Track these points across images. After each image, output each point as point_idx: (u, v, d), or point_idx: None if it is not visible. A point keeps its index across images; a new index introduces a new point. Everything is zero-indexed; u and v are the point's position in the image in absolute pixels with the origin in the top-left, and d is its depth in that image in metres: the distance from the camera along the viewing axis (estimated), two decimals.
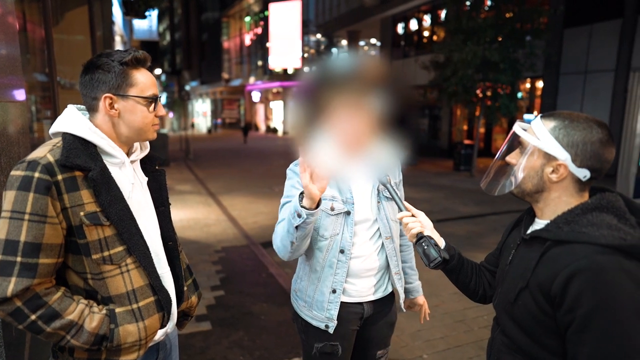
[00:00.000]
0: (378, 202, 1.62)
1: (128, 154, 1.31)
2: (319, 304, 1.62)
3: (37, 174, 1.09)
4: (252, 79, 38.21)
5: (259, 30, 36.48)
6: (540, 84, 13.30)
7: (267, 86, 35.65)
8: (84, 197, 1.14)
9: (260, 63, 37.40)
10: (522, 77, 10.95)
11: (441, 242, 1.31)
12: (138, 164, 1.35)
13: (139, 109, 1.24)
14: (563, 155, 1.02)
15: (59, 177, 1.11)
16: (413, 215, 1.34)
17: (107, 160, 1.22)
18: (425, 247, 1.26)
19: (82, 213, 1.13)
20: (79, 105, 1.28)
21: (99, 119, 1.23)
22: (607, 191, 1.07)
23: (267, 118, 38.03)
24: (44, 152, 1.13)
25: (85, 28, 4.62)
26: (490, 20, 10.33)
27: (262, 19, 35.46)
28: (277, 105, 36.36)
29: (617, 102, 11.00)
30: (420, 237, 1.28)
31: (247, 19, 39.15)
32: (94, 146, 1.20)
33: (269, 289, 4.14)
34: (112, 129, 1.24)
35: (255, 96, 38.83)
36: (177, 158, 16.18)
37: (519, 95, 11.38)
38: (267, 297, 3.93)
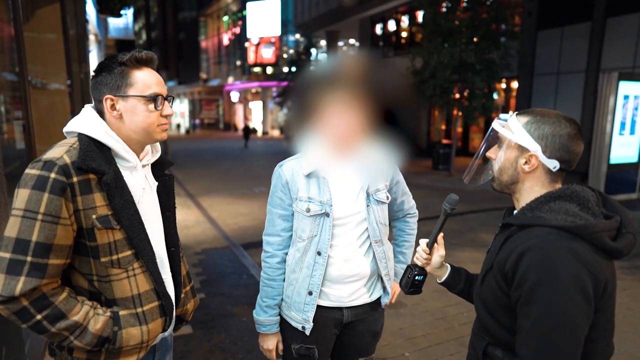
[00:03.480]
0: (367, 205, 1.60)
1: (140, 158, 1.30)
2: (296, 304, 1.61)
3: (53, 175, 1.08)
4: (230, 79, 37.90)
5: (238, 30, 36.20)
6: (515, 84, 13.62)
7: (246, 86, 35.41)
8: (96, 200, 1.14)
9: (239, 63, 37.12)
10: (498, 78, 11.19)
11: (444, 273, 1.38)
12: (149, 168, 1.35)
13: (139, 108, 1.22)
14: (534, 147, 1.10)
15: (75, 179, 1.11)
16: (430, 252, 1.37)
17: (120, 164, 1.22)
18: (408, 277, 1.37)
19: (94, 216, 1.13)
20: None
21: (108, 122, 1.23)
22: (582, 186, 1.12)
23: (246, 118, 37.77)
24: (60, 153, 1.12)
25: (58, 26, 4.49)
26: (466, 21, 10.51)
27: (240, 19, 35.20)
28: (256, 106, 36.15)
29: (587, 102, 11.36)
30: (416, 266, 1.37)
31: (225, 18, 38.80)
32: (109, 149, 1.20)
33: (250, 290, 4.11)
34: (120, 131, 1.23)
35: (234, 96, 38.51)
36: None
37: (495, 95, 11.62)
38: (249, 299, 3.90)
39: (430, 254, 1.36)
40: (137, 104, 1.22)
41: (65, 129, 1.23)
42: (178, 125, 37.55)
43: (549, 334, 0.96)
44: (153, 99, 1.23)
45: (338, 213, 1.57)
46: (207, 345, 3.12)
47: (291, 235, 1.65)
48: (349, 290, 1.62)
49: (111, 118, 1.22)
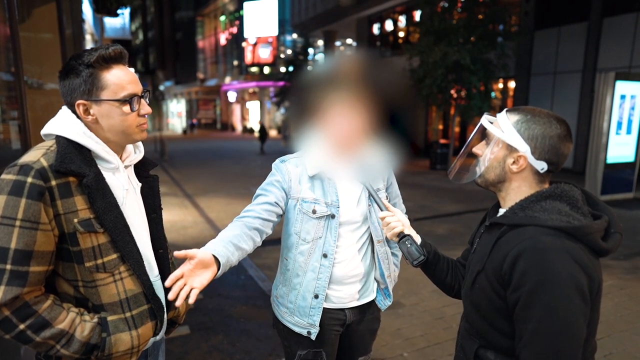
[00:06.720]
0: (369, 205, 1.59)
1: (122, 158, 1.26)
2: (301, 309, 1.58)
3: (30, 179, 1.04)
4: (228, 79, 37.84)
5: (235, 30, 36.15)
6: (512, 84, 13.65)
7: (243, 86, 35.38)
8: (77, 203, 1.10)
9: (236, 63, 37.08)
10: (494, 78, 11.21)
11: (417, 239, 1.36)
12: (132, 169, 1.31)
13: (115, 112, 1.16)
14: (523, 147, 1.08)
15: (53, 182, 1.07)
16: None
17: (101, 166, 1.18)
18: (409, 246, 1.32)
19: (75, 220, 1.09)
20: None
21: (85, 124, 1.18)
22: (569, 184, 1.12)
23: (243, 118, 37.73)
24: (37, 156, 1.08)
25: (54, 26, 4.46)
26: (463, 21, 10.53)
27: (237, 18, 35.16)
28: (253, 106, 36.12)
29: (584, 102, 11.39)
30: (402, 236, 1.34)
31: (222, 18, 38.74)
32: (88, 151, 1.15)
33: (248, 291, 4.10)
34: (98, 134, 1.19)
35: (231, 96, 38.48)
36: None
37: (492, 95, 11.64)
38: (247, 300, 3.89)
39: (389, 215, 1.38)
40: (111, 107, 1.16)
41: (42, 132, 1.18)
42: (192, 125, 37.81)
43: (552, 338, 0.95)
44: (128, 101, 1.17)
45: (344, 214, 1.55)
46: (204, 346, 3.10)
47: (267, 220, 1.51)
48: (350, 291, 1.61)
49: (87, 122, 1.17)
